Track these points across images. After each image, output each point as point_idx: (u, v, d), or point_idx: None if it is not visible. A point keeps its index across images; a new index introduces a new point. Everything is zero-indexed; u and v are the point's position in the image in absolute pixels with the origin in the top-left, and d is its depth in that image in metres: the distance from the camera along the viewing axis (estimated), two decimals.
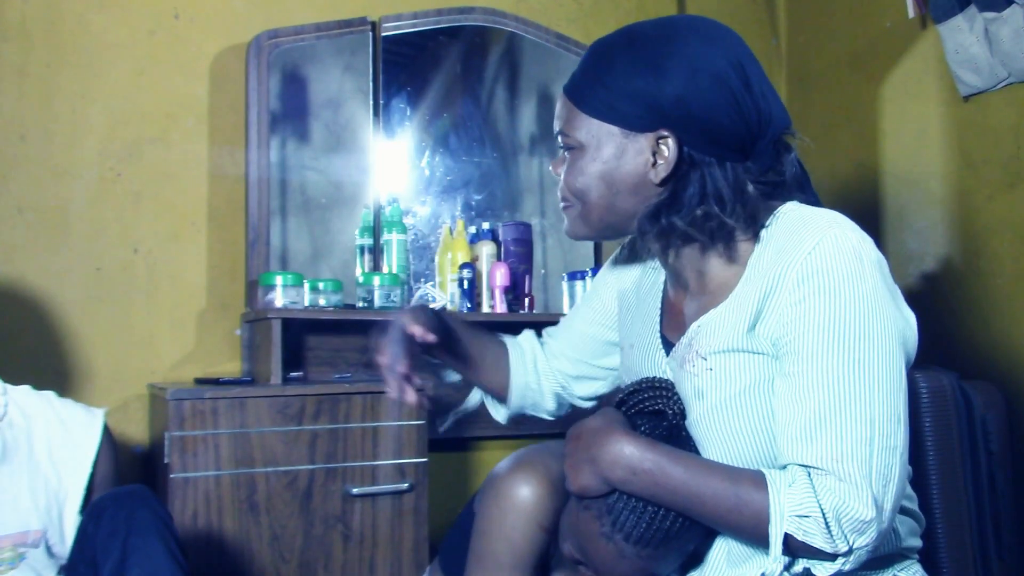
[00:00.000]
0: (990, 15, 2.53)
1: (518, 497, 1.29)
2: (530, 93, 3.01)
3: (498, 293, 2.61)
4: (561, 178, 1.26)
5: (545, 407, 1.57)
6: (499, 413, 1.61)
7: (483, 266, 2.68)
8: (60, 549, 1.65)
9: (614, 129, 1.19)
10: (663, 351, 1.30)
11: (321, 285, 2.40)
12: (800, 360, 1.10)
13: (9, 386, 1.71)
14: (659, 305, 1.35)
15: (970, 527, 2.20)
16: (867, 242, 1.14)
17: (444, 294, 2.61)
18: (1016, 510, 2.40)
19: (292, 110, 2.67)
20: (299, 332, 2.49)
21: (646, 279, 1.40)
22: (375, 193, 2.72)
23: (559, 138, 1.25)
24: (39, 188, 2.40)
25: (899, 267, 2.93)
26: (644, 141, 1.18)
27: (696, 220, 1.18)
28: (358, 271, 2.63)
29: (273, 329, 2.27)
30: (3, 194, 2.37)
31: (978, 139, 2.69)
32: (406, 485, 2.20)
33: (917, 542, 1.27)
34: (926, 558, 1.33)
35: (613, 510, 1.16)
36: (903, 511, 1.25)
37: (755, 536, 1.09)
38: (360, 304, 2.47)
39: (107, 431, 1.74)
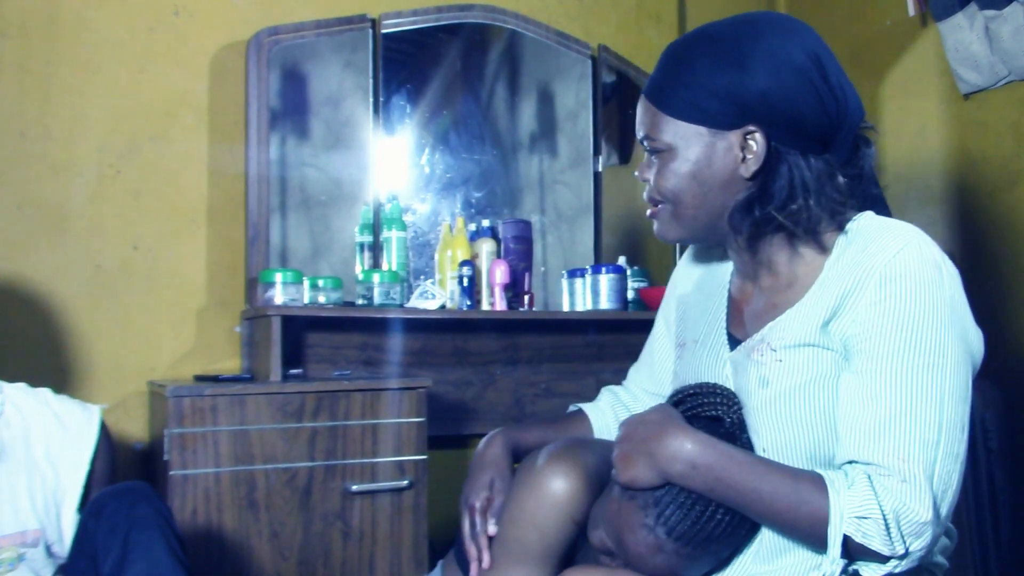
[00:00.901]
0: (990, 13, 2.53)
1: (553, 489, 1.28)
2: (530, 90, 3.01)
3: (498, 291, 2.61)
4: (650, 182, 1.27)
5: None
6: None
7: (483, 263, 2.67)
8: (58, 548, 1.65)
9: (701, 129, 1.21)
10: (727, 346, 1.31)
11: (321, 282, 2.39)
12: (874, 359, 1.12)
13: (5, 384, 1.70)
14: (725, 302, 1.36)
15: (969, 523, 2.20)
16: (946, 257, 1.17)
17: (444, 291, 2.61)
18: (1014, 507, 2.40)
19: (292, 107, 2.67)
20: (299, 329, 2.49)
21: (709, 278, 1.42)
22: (375, 190, 2.72)
23: (645, 143, 1.27)
24: (39, 185, 2.40)
25: None
26: (733, 138, 1.20)
27: (788, 210, 1.20)
28: (358, 268, 2.63)
29: (273, 326, 2.26)
30: (2, 191, 2.36)
31: (978, 137, 2.69)
32: (405, 482, 2.20)
33: (945, 562, 1.28)
34: None
35: (660, 503, 1.16)
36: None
37: (811, 536, 1.10)
38: (360, 301, 2.47)
39: (104, 428, 1.74)
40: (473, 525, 1.36)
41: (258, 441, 2.07)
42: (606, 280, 2.72)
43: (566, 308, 2.81)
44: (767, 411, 1.20)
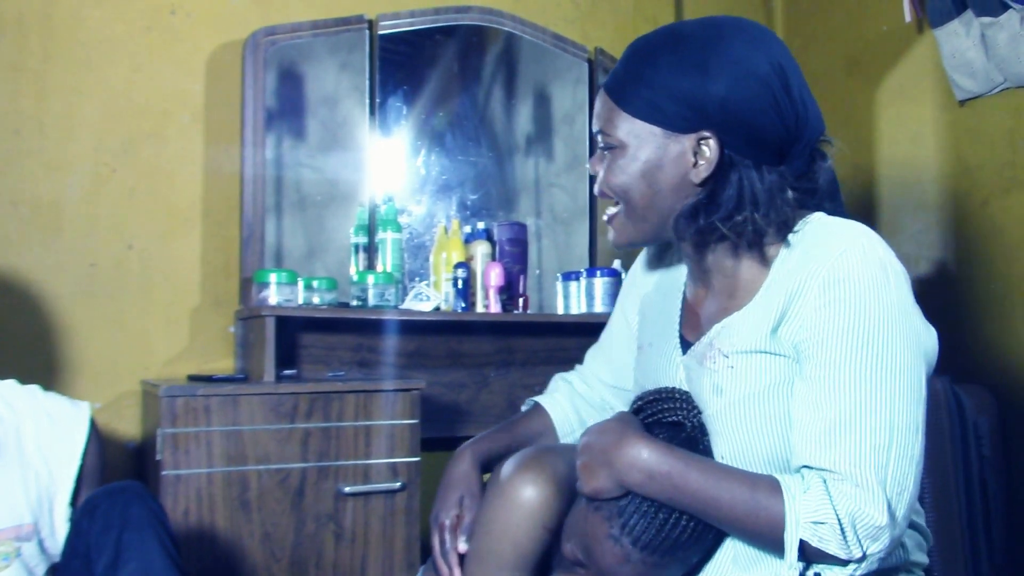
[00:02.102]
0: (986, 20, 2.53)
1: (524, 497, 1.28)
2: (526, 93, 3.01)
3: (492, 293, 2.61)
4: (600, 176, 1.26)
5: None
6: None
7: (478, 266, 2.67)
8: (51, 544, 1.65)
9: (656, 129, 1.20)
10: (680, 349, 1.31)
11: (315, 283, 2.39)
12: (822, 365, 1.11)
13: None
14: (679, 305, 1.36)
15: (962, 530, 2.20)
16: (891, 255, 1.15)
17: (438, 293, 2.61)
18: (1007, 513, 2.41)
19: (288, 107, 2.67)
20: (293, 330, 2.49)
21: (667, 280, 1.41)
22: (370, 191, 2.72)
23: (599, 137, 1.25)
24: (33, 183, 2.39)
25: None
26: (686, 142, 1.19)
27: (732, 221, 1.19)
28: (353, 269, 2.63)
29: (267, 327, 2.26)
30: None
31: (973, 143, 2.70)
32: (398, 484, 2.19)
33: (923, 558, 1.28)
34: None
35: (624, 512, 1.16)
36: (911, 525, 1.25)
37: (770, 541, 1.09)
38: (354, 302, 2.46)
39: (94, 424, 1.74)
40: (443, 543, 1.36)
41: (251, 442, 2.07)
42: (601, 283, 2.72)
43: (560, 311, 2.80)
44: (723, 419, 1.20)
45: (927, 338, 1.16)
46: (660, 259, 1.45)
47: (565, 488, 1.29)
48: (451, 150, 2.88)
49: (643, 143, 1.20)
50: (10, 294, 2.35)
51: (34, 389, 1.74)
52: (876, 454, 1.06)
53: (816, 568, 1.09)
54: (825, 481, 1.07)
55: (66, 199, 2.43)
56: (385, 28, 2.75)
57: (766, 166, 1.18)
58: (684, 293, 1.36)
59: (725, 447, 1.20)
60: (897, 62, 2.96)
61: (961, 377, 2.48)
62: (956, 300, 2.72)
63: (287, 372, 2.43)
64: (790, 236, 1.20)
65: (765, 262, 1.21)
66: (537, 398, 1.56)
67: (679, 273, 1.38)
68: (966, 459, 2.27)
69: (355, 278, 2.49)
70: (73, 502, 1.67)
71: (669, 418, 1.22)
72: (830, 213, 1.23)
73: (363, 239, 2.66)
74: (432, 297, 2.57)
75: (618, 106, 1.22)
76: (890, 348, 1.09)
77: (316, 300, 2.39)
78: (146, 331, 2.50)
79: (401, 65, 2.81)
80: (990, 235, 2.64)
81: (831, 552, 1.06)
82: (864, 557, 1.07)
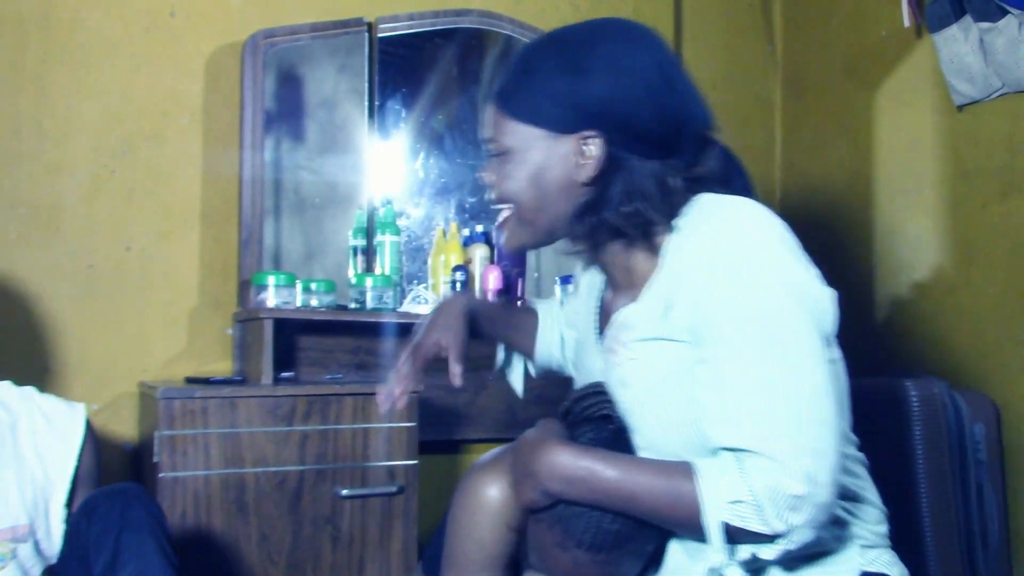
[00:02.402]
0: (985, 25, 2.54)
1: (485, 497, 1.29)
2: None
3: (491, 296, 2.61)
4: (492, 185, 1.28)
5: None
6: (518, 382, 1.70)
7: (476, 269, 2.68)
8: (47, 545, 1.65)
9: (539, 132, 1.21)
10: (599, 344, 1.34)
11: (314, 286, 2.39)
12: (714, 344, 1.11)
13: None
14: (597, 302, 1.39)
15: (958, 534, 2.20)
16: (774, 226, 1.15)
17: (437, 296, 2.61)
18: (1003, 519, 2.41)
19: (287, 110, 2.67)
20: (291, 332, 2.49)
21: (594, 277, 1.44)
22: (369, 194, 2.72)
23: (488, 145, 1.28)
24: (32, 184, 2.39)
25: (891, 275, 2.93)
26: (570, 142, 1.20)
27: (622, 216, 1.20)
28: (351, 272, 2.63)
29: (265, 329, 2.26)
30: None
31: (972, 148, 2.70)
32: (396, 487, 2.19)
33: (881, 527, 1.27)
34: (915, 567, 1.34)
35: (562, 518, 1.16)
36: (858, 498, 1.24)
37: (696, 527, 1.09)
38: (352, 305, 2.46)
39: (89, 425, 1.74)
40: (402, 364, 1.45)
41: (248, 444, 2.07)
42: None
43: None
44: (634, 412, 1.21)
45: (821, 298, 1.15)
46: None
47: None
48: (450, 153, 2.88)
49: (529, 147, 1.22)
50: (8, 295, 2.34)
51: (30, 390, 1.74)
52: (783, 424, 1.06)
53: (749, 548, 1.09)
54: (738, 459, 1.07)
55: (64, 200, 2.42)
56: (384, 31, 2.75)
57: (653, 160, 1.19)
58: (602, 290, 1.39)
59: (641, 439, 1.21)
60: (896, 67, 2.96)
61: (959, 382, 2.48)
62: (955, 305, 2.73)
63: (285, 374, 2.43)
64: (675, 221, 1.20)
65: (655, 251, 1.22)
66: (537, 303, 1.68)
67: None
68: (963, 463, 2.27)
69: (353, 281, 2.49)
70: (69, 503, 1.67)
71: (596, 413, 1.23)
72: (738, 190, 1.23)
73: (361, 242, 2.66)
74: (430, 300, 2.57)
75: (502, 112, 1.25)
76: (779, 318, 1.09)
77: (314, 302, 2.38)
78: (144, 333, 2.50)
79: (400, 68, 2.81)
80: (989, 240, 2.64)
81: (754, 529, 1.06)
82: (790, 530, 1.06)
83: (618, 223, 1.20)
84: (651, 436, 1.20)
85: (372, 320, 2.45)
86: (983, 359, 2.63)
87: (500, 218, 1.32)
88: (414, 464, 2.22)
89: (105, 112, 2.48)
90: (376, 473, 2.18)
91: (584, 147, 1.19)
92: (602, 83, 1.17)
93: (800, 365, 1.08)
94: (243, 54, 2.58)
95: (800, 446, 1.06)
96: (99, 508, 1.51)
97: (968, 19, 2.59)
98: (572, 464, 1.14)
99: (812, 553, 1.15)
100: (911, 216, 2.89)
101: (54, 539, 1.65)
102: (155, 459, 2.01)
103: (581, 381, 1.40)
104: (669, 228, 1.21)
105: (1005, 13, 2.49)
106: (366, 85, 2.73)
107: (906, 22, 2.80)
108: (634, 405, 1.21)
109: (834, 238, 3.13)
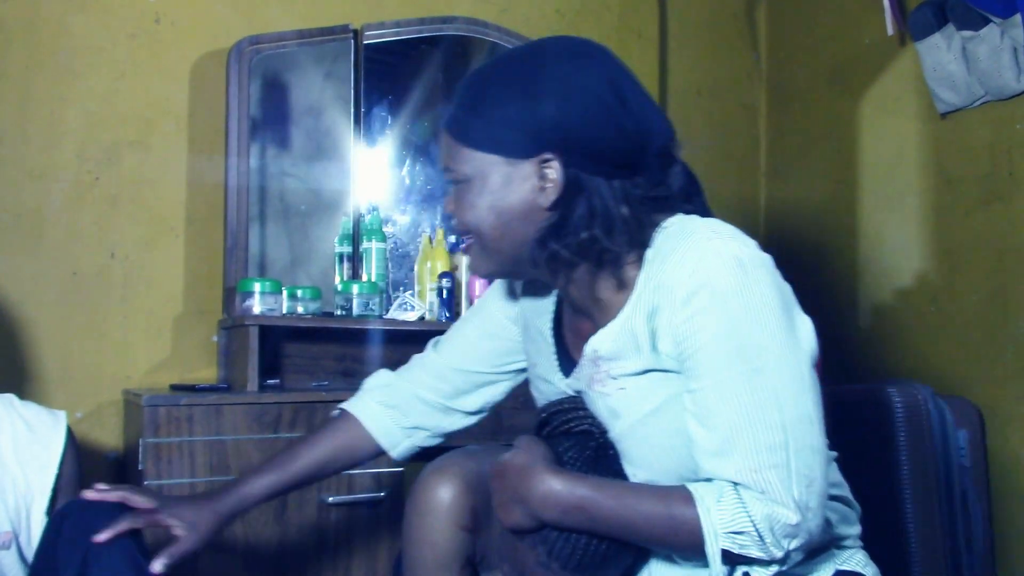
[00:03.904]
0: (968, 34, 2.56)
1: (435, 500, 1.29)
2: None
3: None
4: (454, 214, 1.25)
5: (441, 428, 1.61)
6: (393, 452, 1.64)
7: (462, 275, 2.67)
8: (29, 552, 1.64)
9: (497, 158, 1.18)
10: (561, 372, 1.32)
11: (299, 292, 2.39)
12: (701, 376, 1.11)
13: None
14: (550, 326, 1.36)
15: (942, 540, 2.21)
16: (748, 247, 1.13)
17: (423, 303, 2.61)
18: (987, 524, 2.42)
19: (272, 117, 2.66)
20: (277, 339, 2.48)
21: (533, 301, 1.41)
22: (355, 201, 2.71)
23: (446, 174, 1.24)
24: (15, 190, 2.37)
25: (876, 282, 2.95)
26: (528, 167, 1.17)
27: (582, 244, 1.17)
28: (337, 279, 2.63)
29: (250, 336, 2.25)
30: None
31: (955, 156, 2.72)
32: (382, 495, 2.19)
33: (854, 529, 1.28)
34: (900, 572, 1.35)
35: (547, 540, 1.16)
36: (834, 498, 1.26)
37: (695, 552, 1.10)
38: (338, 312, 2.46)
39: (71, 433, 1.73)
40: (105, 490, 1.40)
41: (234, 451, 2.06)
42: None
43: None
44: (627, 440, 1.20)
45: (802, 326, 1.15)
46: (522, 284, 1.45)
47: (476, 485, 1.30)
48: (436, 160, 2.87)
49: (488, 174, 1.19)
50: None
51: (11, 397, 1.73)
52: (773, 455, 1.06)
53: (744, 568, 1.10)
54: (736, 488, 1.08)
55: (48, 207, 2.41)
56: (370, 38, 2.75)
57: (617, 180, 1.17)
58: (558, 313, 1.36)
59: (636, 465, 1.21)
60: (879, 75, 2.98)
61: (943, 388, 2.49)
62: (939, 312, 2.74)
63: (270, 382, 2.42)
64: (647, 252, 1.18)
65: (625, 277, 1.20)
66: (344, 405, 1.58)
67: (547, 294, 1.38)
68: (947, 469, 2.28)
69: (339, 288, 2.49)
70: (50, 511, 1.66)
71: (577, 427, 1.23)
72: (688, 214, 1.22)
73: (347, 248, 2.65)
74: (417, 307, 2.57)
75: (457, 141, 1.21)
76: (763, 347, 1.08)
77: (300, 309, 2.38)
78: (128, 340, 2.48)
79: (386, 75, 2.81)
80: (972, 247, 2.66)
81: (753, 556, 1.07)
82: (786, 555, 1.08)
83: (577, 252, 1.18)
84: (643, 464, 1.19)
85: (358, 327, 2.45)
86: (967, 365, 2.64)
87: (463, 244, 1.29)
88: (400, 472, 2.22)
89: (89, 119, 2.47)
90: (362, 480, 2.18)
91: (544, 170, 1.16)
92: (553, 104, 1.14)
93: (787, 394, 1.08)
94: (228, 61, 2.57)
95: (792, 476, 1.07)
96: (69, 518, 1.50)
97: (951, 27, 2.61)
98: (567, 493, 1.13)
99: None
100: (895, 223, 2.91)
101: (35, 547, 1.64)
102: (140, 467, 2.00)
103: (539, 399, 1.39)
104: (640, 252, 1.19)
105: (987, 21, 2.51)
106: (352, 92, 2.73)
107: (889, 31, 2.82)
108: (627, 434, 1.20)
109: (818, 245, 3.14)
